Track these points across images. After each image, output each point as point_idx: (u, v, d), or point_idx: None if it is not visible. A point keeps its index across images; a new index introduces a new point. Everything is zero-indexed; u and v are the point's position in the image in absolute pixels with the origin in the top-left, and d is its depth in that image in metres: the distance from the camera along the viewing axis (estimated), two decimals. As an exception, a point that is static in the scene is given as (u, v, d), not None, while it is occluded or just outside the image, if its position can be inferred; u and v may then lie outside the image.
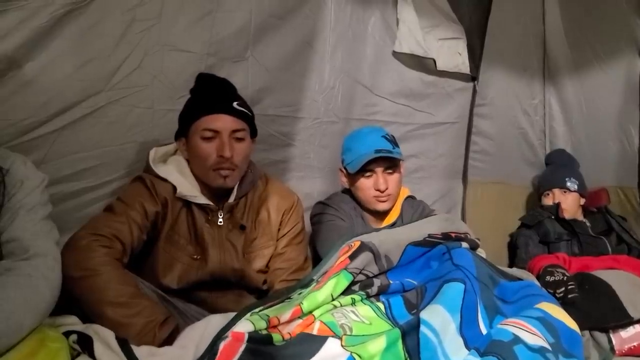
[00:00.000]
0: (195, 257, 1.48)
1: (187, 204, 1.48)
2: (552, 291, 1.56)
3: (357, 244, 1.33)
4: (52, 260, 1.11)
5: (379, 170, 1.79)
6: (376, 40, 2.22)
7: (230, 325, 1.05)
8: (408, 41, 2.25)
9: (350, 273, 1.25)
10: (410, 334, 1.05)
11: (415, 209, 1.90)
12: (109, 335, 1.07)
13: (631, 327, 1.51)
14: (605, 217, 2.34)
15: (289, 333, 1.08)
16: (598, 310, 1.53)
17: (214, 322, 1.15)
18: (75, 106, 1.57)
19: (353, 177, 1.83)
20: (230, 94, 1.52)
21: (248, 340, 1.00)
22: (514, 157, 2.78)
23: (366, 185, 1.81)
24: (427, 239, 1.42)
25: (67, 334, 1.07)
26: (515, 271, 1.52)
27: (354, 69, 2.17)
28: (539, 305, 1.21)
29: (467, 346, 1.08)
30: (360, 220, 1.87)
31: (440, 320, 1.08)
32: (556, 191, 2.39)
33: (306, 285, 1.28)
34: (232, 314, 1.13)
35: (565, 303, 1.47)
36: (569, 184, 2.36)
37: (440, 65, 2.35)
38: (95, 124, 1.61)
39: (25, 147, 1.47)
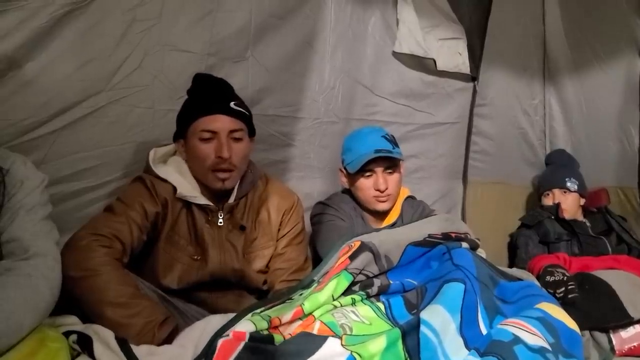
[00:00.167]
0: (195, 257, 1.48)
1: (187, 204, 1.48)
2: (552, 291, 1.56)
3: (357, 244, 1.33)
4: (52, 260, 1.11)
5: (379, 170, 1.79)
6: (376, 41, 2.22)
7: (230, 325, 1.05)
8: (408, 41, 2.25)
9: (351, 273, 1.25)
10: (411, 334, 1.05)
11: (415, 209, 1.90)
12: (109, 335, 1.07)
13: (631, 327, 1.51)
14: (605, 217, 2.34)
15: (290, 334, 1.08)
16: (598, 310, 1.53)
17: (214, 322, 1.15)
18: (75, 106, 1.57)
19: (353, 177, 1.83)
20: (227, 94, 1.52)
21: (249, 339, 1.00)
22: (514, 157, 2.78)
23: (366, 185, 1.81)
24: (427, 239, 1.42)
25: (67, 334, 1.07)
26: (515, 271, 1.52)
27: (354, 69, 2.17)
28: (539, 306, 1.20)
29: (467, 346, 1.08)
30: (360, 220, 1.87)
31: (440, 320, 1.08)
32: (556, 191, 2.39)
33: (307, 286, 1.28)
34: (232, 315, 1.13)
35: (565, 303, 1.47)
36: (569, 184, 2.36)
37: (441, 66, 2.35)
38: (96, 124, 1.62)
39: (25, 147, 1.47)
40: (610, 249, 2.19)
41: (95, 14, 1.54)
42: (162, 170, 1.48)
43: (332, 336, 1.05)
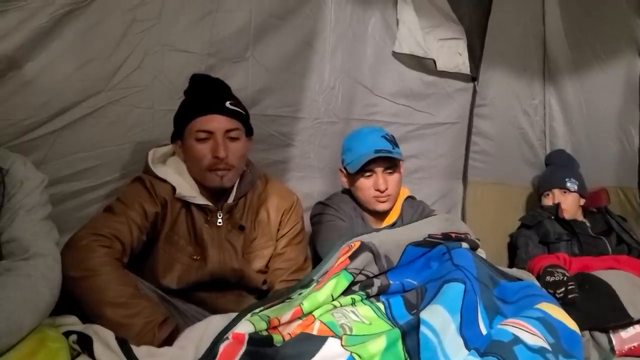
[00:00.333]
0: (194, 257, 1.48)
1: (187, 204, 1.48)
2: (552, 291, 1.56)
3: (357, 244, 1.33)
4: (52, 260, 1.11)
5: (379, 170, 1.79)
6: (376, 41, 2.22)
7: (231, 327, 1.05)
8: (408, 42, 2.25)
9: (351, 273, 1.25)
10: (410, 334, 1.05)
11: (415, 209, 1.90)
12: (109, 335, 1.07)
13: (631, 328, 1.51)
14: (605, 218, 2.34)
15: (289, 334, 1.09)
16: (598, 310, 1.53)
17: (215, 322, 1.15)
18: (75, 106, 1.57)
19: (353, 177, 1.83)
20: (223, 94, 1.51)
21: (248, 342, 1.00)
22: (514, 157, 2.78)
23: (366, 186, 1.81)
24: (427, 239, 1.42)
25: (67, 334, 1.07)
26: (515, 271, 1.52)
27: (354, 69, 2.17)
28: (539, 306, 1.20)
29: (467, 346, 1.08)
30: (360, 220, 1.87)
31: (440, 320, 1.08)
32: (556, 191, 2.39)
33: (306, 286, 1.28)
34: (233, 315, 1.13)
35: (565, 303, 1.47)
36: (568, 184, 2.36)
37: (441, 66, 2.35)
38: (96, 124, 1.62)
39: (25, 148, 1.47)
40: (610, 249, 2.19)
41: (95, 14, 1.54)
42: (161, 171, 1.48)
43: (332, 336, 1.05)
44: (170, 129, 1.54)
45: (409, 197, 1.95)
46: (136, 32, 1.63)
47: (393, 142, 1.84)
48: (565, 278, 1.63)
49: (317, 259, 1.71)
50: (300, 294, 1.24)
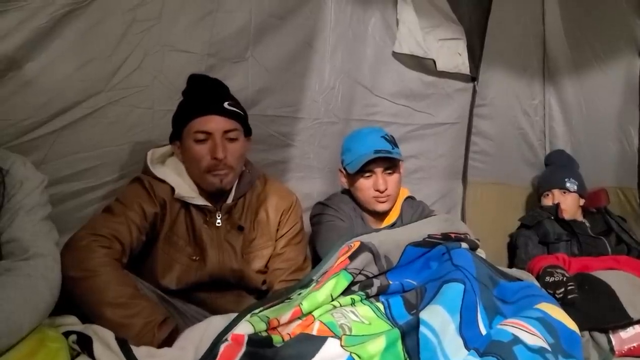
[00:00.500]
0: (194, 258, 1.48)
1: (186, 205, 1.48)
2: (551, 292, 1.56)
3: (357, 244, 1.33)
4: (52, 260, 1.11)
5: (379, 170, 1.79)
6: (376, 41, 2.22)
7: (230, 328, 1.05)
8: (408, 42, 2.25)
9: (350, 273, 1.25)
10: (410, 334, 1.05)
11: (414, 210, 1.90)
12: (109, 335, 1.07)
13: (631, 328, 1.51)
14: (604, 218, 2.34)
15: (288, 334, 1.09)
16: (598, 310, 1.53)
17: (215, 323, 1.15)
18: (75, 106, 1.57)
19: (353, 177, 1.83)
20: (221, 95, 1.51)
21: (248, 343, 1.00)
22: (513, 157, 2.78)
23: (366, 186, 1.81)
24: (427, 239, 1.42)
25: (66, 334, 1.07)
26: (515, 272, 1.52)
27: (354, 70, 2.17)
28: (538, 306, 1.21)
29: (467, 346, 1.08)
30: (360, 220, 1.87)
31: (439, 320, 1.08)
32: (556, 192, 2.39)
33: (306, 286, 1.28)
34: (233, 315, 1.13)
35: (564, 304, 1.47)
36: (568, 184, 2.37)
37: (440, 66, 2.35)
38: (96, 125, 1.62)
39: (25, 148, 1.47)
40: (609, 250, 2.19)
41: (95, 14, 1.54)
42: (160, 171, 1.48)
43: (332, 337, 1.05)
44: (170, 129, 1.54)
45: (408, 197, 1.95)
46: (136, 32, 1.63)
47: (393, 142, 1.84)
48: (564, 278, 1.63)
49: (316, 259, 1.71)
50: (299, 294, 1.24)
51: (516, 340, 1.06)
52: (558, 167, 2.53)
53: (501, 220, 2.61)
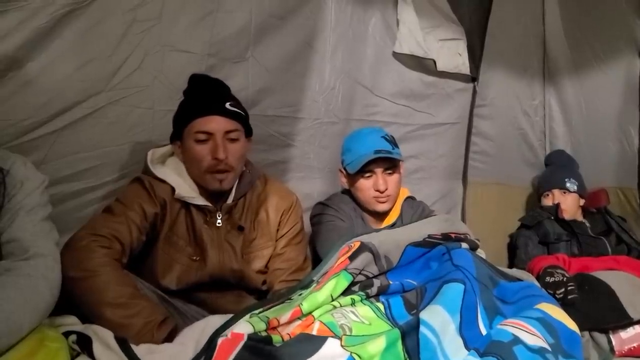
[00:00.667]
0: (194, 258, 1.48)
1: (186, 205, 1.48)
2: (551, 292, 1.56)
3: (357, 244, 1.33)
4: (52, 260, 1.12)
5: (379, 170, 1.79)
6: (376, 41, 2.22)
7: (229, 324, 1.05)
8: (408, 42, 2.25)
9: (350, 273, 1.25)
10: (410, 334, 1.05)
11: (415, 210, 1.90)
12: (108, 335, 1.07)
13: (631, 328, 1.51)
14: (604, 218, 2.34)
15: (288, 334, 1.08)
16: (598, 311, 1.53)
17: (213, 322, 1.15)
18: (75, 106, 1.57)
19: (353, 177, 1.83)
20: (222, 95, 1.51)
21: (247, 339, 1.00)
22: (514, 157, 2.78)
23: (366, 186, 1.81)
24: (427, 239, 1.42)
25: (66, 334, 1.07)
26: (515, 272, 1.52)
27: (354, 70, 2.17)
28: (538, 306, 1.20)
29: (467, 346, 1.08)
30: (360, 220, 1.87)
31: (440, 320, 1.08)
32: (556, 192, 2.39)
33: (306, 286, 1.27)
34: (232, 315, 1.13)
35: (565, 304, 1.47)
36: (568, 184, 2.37)
37: (441, 66, 2.35)
38: (96, 125, 1.62)
39: (25, 148, 1.47)
40: (609, 250, 2.19)
41: (96, 14, 1.54)
42: (160, 171, 1.48)
43: (332, 337, 1.05)
44: (171, 129, 1.54)
45: (408, 197, 1.95)
46: (136, 32, 1.63)
47: (393, 142, 1.84)
48: (565, 279, 1.63)
49: (317, 259, 1.71)
50: (300, 294, 1.24)
51: (516, 340, 1.06)
52: (558, 167, 2.53)
53: (501, 221, 2.61)
